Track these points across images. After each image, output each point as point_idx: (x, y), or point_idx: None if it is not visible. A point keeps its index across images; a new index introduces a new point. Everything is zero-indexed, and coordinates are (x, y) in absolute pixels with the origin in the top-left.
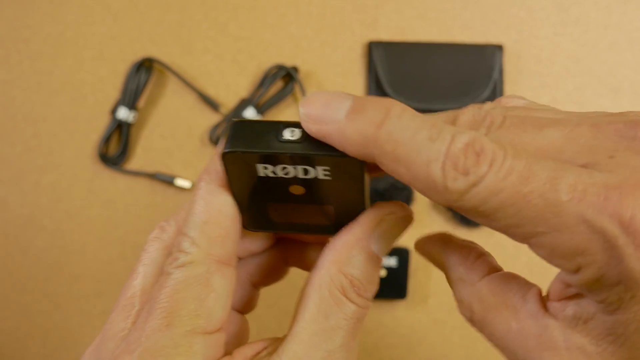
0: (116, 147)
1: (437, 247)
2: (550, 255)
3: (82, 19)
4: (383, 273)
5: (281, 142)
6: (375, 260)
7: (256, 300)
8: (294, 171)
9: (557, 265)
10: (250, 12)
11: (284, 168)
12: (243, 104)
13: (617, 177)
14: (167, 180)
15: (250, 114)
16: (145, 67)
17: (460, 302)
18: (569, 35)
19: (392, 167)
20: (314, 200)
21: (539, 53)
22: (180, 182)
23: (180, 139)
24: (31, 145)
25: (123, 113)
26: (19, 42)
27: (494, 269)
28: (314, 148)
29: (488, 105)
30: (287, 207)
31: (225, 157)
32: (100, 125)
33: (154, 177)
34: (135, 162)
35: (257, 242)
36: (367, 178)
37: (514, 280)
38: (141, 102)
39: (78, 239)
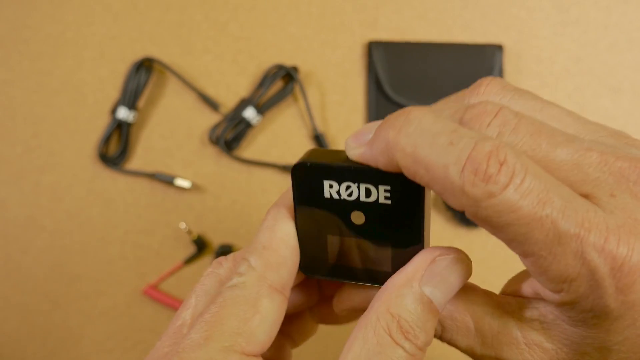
0: (116, 147)
1: None
2: (539, 274)
3: (82, 19)
4: None
5: (347, 161)
6: (428, 305)
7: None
8: (357, 191)
9: (540, 282)
10: (250, 12)
11: (348, 187)
12: (243, 104)
13: (616, 220)
14: (167, 180)
15: (250, 114)
16: (145, 67)
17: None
18: (569, 35)
19: (412, 169)
20: (372, 234)
21: (539, 53)
22: (180, 182)
23: (180, 139)
24: (31, 145)
25: (123, 113)
26: (19, 42)
27: None
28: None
29: (491, 98)
30: (346, 243)
31: (295, 169)
32: (100, 125)
33: (154, 177)
34: (135, 162)
35: (304, 296)
36: (427, 211)
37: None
38: (141, 102)
39: (78, 239)
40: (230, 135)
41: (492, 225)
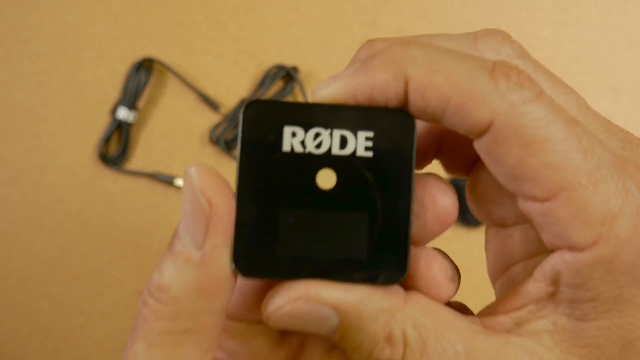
0: (116, 147)
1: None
2: (572, 216)
3: (82, 19)
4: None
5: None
6: None
7: None
8: (329, 141)
9: (570, 234)
10: (250, 12)
11: (317, 136)
12: (243, 104)
13: None
14: (167, 180)
15: None
16: (145, 67)
17: (388, 337)
18: (569, 35)
19: (426, 80)
20: (343, 203)
21: (539, 53)
22: (180, 182)
23: (180, 139)
24: (31, 145)
25: (123, 113)
26: (19, 42)
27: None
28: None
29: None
30: (305, 220)
31: (248, 109)
32: (100, 125)
33: (154, 177)
34: (135, 162)
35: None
36: (414, 163)
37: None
38: (141, 102)
39: (78, 239)
40: (230, 135)
41: (526, 137)
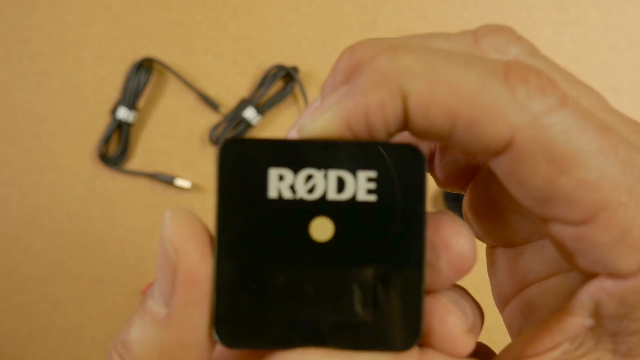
0: (116, 147)
1: None
2: (617, 239)
3: (82, 19)
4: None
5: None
6: None
7: None
8: (323, 184)
9: (613, 261)
10: (250, 12)
11: (310, 178)
12: (243, 104)
13: None
14: (167, 181)
15: (250, 114)
16: (145, 67)
17: None
18: (569, 35)
19: (427, 94)
20: (343, 256)
21: None
22: (180, 182)
23: (180, 139)
24: (31, 145)
25: (123, 113)
26: (19, 42)
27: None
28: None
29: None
30: (299, 278)
31: (224, 149)
32: (100, 125)
33: (154, 177)
34: (135, 162)
35: None
36: (425, 207)
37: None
38: (141, 102)
39: (78, 239)
40: (231, 136)
41: (555, 153)
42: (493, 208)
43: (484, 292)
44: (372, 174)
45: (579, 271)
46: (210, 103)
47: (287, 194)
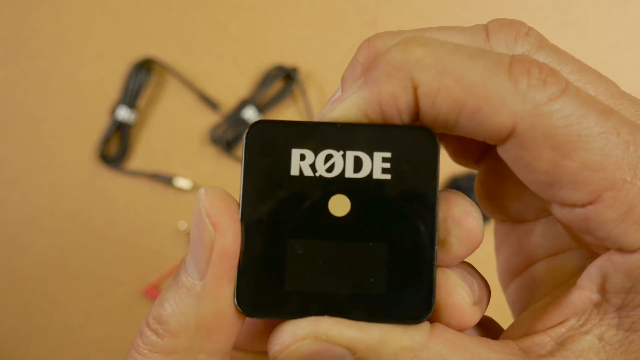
0: (116, 147)
1: None
2: (623, 216)
3: (82, 19)
4: None
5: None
6: None
7: None
8: (342, 163)
9: (620, 237)
10: (250, 12)
11: (329, 158)
12: (243, 104)
13: None
14: (167, 181)
15: (250, 114)
16: (145, 67)
17: None
18: (569, 35)
19: (435, 85)
20: (359, 231)
21: None
22: (180, 182)
23: (180, 139)
24: (31, 146)
25: (123, 113)
26: (19, 42)
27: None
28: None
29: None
30: (318, 252)
31: (252, 131)
32: (100, 125)
33: (154, 177)
34: (135, 162)
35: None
36: (438, 185)
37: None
38: (141, 102)
39: (78, 239)
40: (231, 135)
41: (557, 138)
42: (505, 184)
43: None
44: (387, 154)
45: (588, 250)
46: (210, 103)
47: (308, 172)
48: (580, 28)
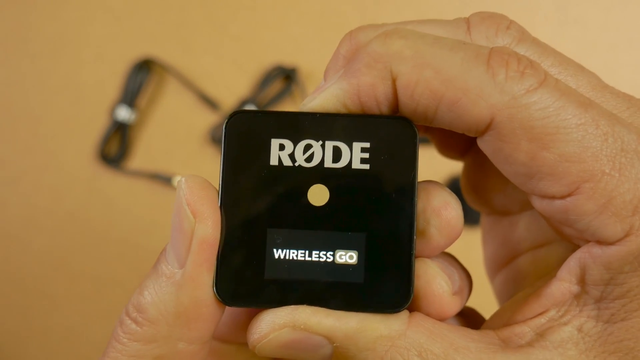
0: (116, 147)
1: None
2: (602, 208)
3: (82, 19)
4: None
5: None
6: None
7: None
8: (321, 153)
9: (598, 229)
10: (250, 12)
11: (308, 148)
12: (243, 104)
13: None
14: (167, 180)
15: None
16: (145, 67)
17: None
18: (569, 35)
19: (414, 77)
20: (338, 220)
21: None
22: None
23: (180, 139)
24: (31, 145)
25: (123, 113)
26: (19, 42)
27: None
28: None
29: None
30: (297, 241)
31: (231, 121)
32: (100, 125)
33: (154, 177)
34: (135, 162)
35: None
36: (417, 175)
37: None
38: (141, 102)
39: (78, 239)
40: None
41: (535, 130)
42: (489, 177)
43: (483, 294)
44: (366, 144)
45: (569, 241)
46: (210, 103)
47: (287, 162)
48: (580, 28)
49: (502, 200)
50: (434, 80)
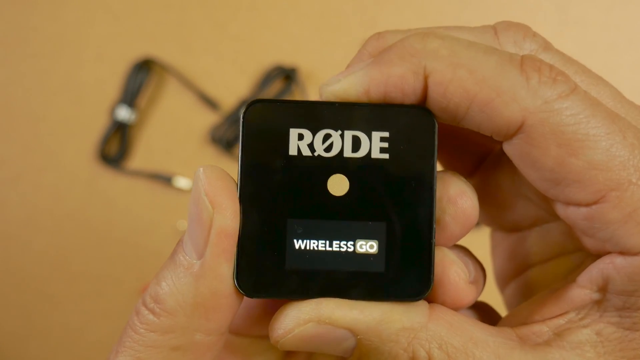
0: (116, 147)
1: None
2: (627, 217)
3: (82, 19)
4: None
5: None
6: None
7: None
8: (340, 143)
9: (623, 238)
10: (250, 12)
11: (327, 137)
12: (243, 104)
13: None
14: (167, 180)
15: None
16: (145, 67)
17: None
18: (569, 35)
19: (449, 74)
20: (357, 210)
21: None
22: (180, 182)
23: (180, 139)
24: (31, 145)
25: (123, 113)
26: (19, 42)
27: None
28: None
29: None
30: (317, 231)
31: (249, 110)
32: (100, 125)
33: (154, 177)
34: (135, 162)
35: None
36: (436, 165)
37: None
38: (141, 102)
39: (78, 239)
40: (231, 135)
41: (565, 135)
42: (500, 194)
43: (485, 293)
44: (385, 134)
45: (591, 251)
46: (210, 103)
47: (306, 152)
48: (580, 28)
49: (511, 217)
50: (468, 79)
